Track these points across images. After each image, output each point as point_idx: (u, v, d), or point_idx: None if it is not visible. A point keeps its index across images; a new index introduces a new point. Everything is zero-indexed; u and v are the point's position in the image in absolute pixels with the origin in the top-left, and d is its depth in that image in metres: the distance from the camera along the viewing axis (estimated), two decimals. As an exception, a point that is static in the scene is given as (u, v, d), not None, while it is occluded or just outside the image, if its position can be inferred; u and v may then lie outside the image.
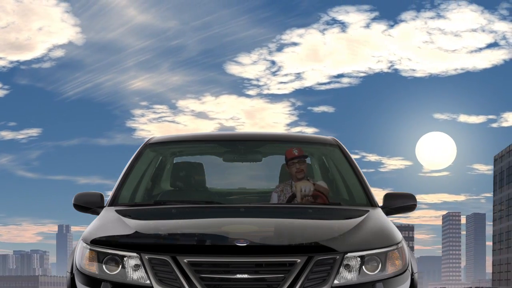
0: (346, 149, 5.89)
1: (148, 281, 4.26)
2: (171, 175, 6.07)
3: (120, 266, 4.34)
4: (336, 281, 4.26)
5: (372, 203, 5.31)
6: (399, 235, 4.64)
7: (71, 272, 4.55)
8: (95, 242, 4.47)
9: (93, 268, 4.40)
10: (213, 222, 4.88)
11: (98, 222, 4.83)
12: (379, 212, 5.10)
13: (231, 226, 4.66)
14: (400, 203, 5.28)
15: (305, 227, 4.77)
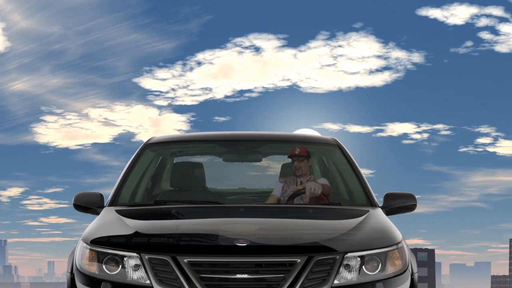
0: (346, 149, 5.88)
1: (148, 281, 4.26)
2: (171, 175, 6.07)
3: (120, 266, 4.34)
4: (336, 281, 4.26)
5: (372, 203, 5.31)
6: (399, 235, 4.64)
7: (71, 272, 4.55)
8: (95, 242, 4.47)
9: (93, 268, 4.39)
10: (213, 222, 4.88)
11: (98, 222, 4.83)
12: (379, 212, 5.10)
13: (231, 226, 4.66)
14: (400, 203, 5.27)
15: (305, 227, 4.77)
